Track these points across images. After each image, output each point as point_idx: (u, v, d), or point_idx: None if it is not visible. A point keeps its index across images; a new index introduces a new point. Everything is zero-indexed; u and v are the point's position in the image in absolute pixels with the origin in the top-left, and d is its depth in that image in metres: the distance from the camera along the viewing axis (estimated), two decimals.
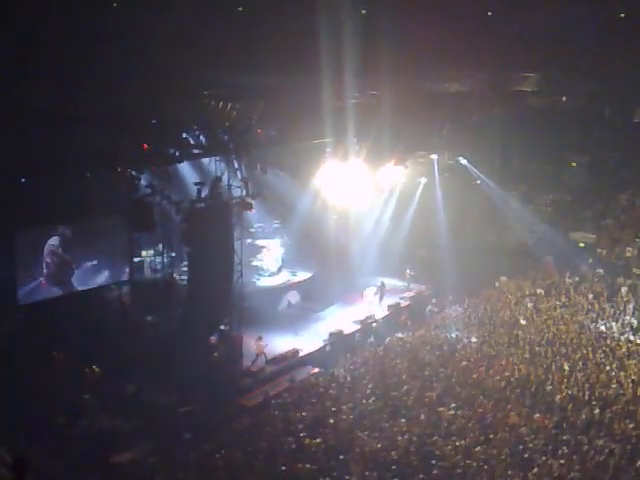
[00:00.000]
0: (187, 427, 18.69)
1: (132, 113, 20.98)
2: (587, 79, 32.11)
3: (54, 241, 21.55)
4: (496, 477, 15.84)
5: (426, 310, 28.28)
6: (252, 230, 27.38)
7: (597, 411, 18.88)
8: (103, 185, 21.21)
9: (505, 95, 33.17)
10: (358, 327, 26.17)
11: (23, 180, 19.14)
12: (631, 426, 18.16)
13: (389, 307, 28.03)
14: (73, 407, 18.89)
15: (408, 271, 30.53)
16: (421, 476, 15.75)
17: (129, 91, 21.51)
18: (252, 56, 25.30)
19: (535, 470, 16.06)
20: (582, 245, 32.65)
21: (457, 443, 17.19)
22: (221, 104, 23.20)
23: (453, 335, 24.84)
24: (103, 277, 22.89)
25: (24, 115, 18.67)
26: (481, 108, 32.76)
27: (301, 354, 23.91)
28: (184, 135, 22.87)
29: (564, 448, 17.03)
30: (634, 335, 24.53)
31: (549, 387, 20.51)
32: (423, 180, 31.73)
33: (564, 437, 17.67)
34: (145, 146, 20.83)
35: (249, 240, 26.84)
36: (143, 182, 21.51)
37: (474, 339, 24.19)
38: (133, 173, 21.24)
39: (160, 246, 23.42)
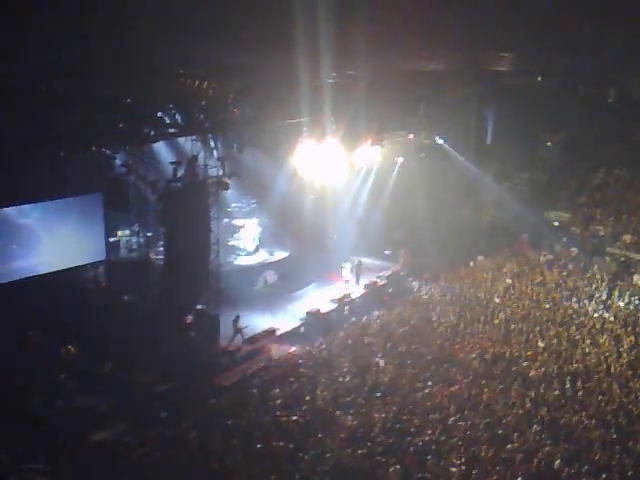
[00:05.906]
0: (164, 406, 18.69)
1: (107, 92, 20.69)
2: (562, 59, 32.16)
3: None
4: (471, 453, 16.06)
5: (403, 289, 28.44)
6: (229, 210, 27.28)
7: (571, 387, 19.20)
8: (78, 164, 21.00)
9: (481, 74, 33.15)
10: (335, 306, 26.27)
11: None
12: (604, 402, 18.49)
13: (366, 286, 28.15)
14: (48, 387, 18.76)
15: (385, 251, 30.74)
16: (396, 453, 15.94)
17: (103, 70, 21.19)
18: (227, 34, 24.97)
19: (509, 446, 16.31)
20: (556, 224, 32.96)
21: (432, 420, 17.42)
22: (197, 83, 22.95)
23: (430, 313, 25.04)
24: (79, 257, 22.72)
25: None
26: (457, 88, 32.71)
27: (278, 333, 23.97)
28: (159, 114, 22.64)
29: (538, 424, 17.33)
30: (607, 312, 24.86)
31: (523, 364, 20.81)
32: (400, 160, 31.73)
33: (538, 413, 17.97)
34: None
35: (226, 220, 26.75)
36: (118, 161, 21.38)
37: (450, 317, 24.39)
38: (108, 152, 21.11)
39: (136, 226, 23.27)
